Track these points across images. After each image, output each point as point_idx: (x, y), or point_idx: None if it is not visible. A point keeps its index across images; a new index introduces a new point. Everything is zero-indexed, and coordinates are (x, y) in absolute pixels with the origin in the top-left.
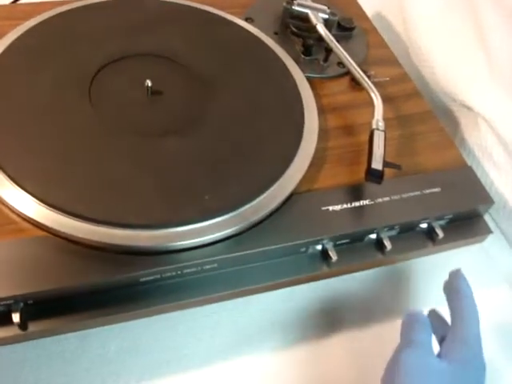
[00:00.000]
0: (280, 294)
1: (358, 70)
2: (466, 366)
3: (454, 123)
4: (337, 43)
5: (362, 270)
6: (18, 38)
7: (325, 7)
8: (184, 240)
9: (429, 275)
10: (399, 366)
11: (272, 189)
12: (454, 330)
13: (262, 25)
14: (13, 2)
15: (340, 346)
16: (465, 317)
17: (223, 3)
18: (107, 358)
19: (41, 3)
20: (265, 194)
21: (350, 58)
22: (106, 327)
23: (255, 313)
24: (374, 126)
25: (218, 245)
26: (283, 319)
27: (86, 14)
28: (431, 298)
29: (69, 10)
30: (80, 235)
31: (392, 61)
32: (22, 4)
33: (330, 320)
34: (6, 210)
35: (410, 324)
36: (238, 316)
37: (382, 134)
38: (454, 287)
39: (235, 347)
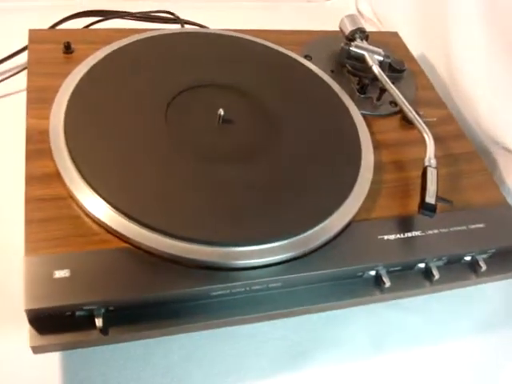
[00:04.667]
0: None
1: (411, 109)
2: None
3: (493, 163)
4: (391, 84)
5: (409, 296)
6: (98, 63)
7: (380, 50)
8: (253, 259)
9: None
10: None
11: (333, 216)
12: None
13: (319, 62)
14: (85, 27)
15: (383, 370)
16: None
17: (283, 40)
18: (171, 367)
19: (117, 30)
20: (326, 221)
21: (403, 98)
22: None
23: (314, 329)
24: (426, 163)
25: (284, 265)
26: (338, 336)
27: (165, 42)
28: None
29: (148, 38)
30: (160, 248)
31: (438, 102)
32: (98, 29)
33: (375, 342)
34: (91, 223)
35: None
36: (298, 332)
37: (435, 170)
38: None
39: (295, 361)
